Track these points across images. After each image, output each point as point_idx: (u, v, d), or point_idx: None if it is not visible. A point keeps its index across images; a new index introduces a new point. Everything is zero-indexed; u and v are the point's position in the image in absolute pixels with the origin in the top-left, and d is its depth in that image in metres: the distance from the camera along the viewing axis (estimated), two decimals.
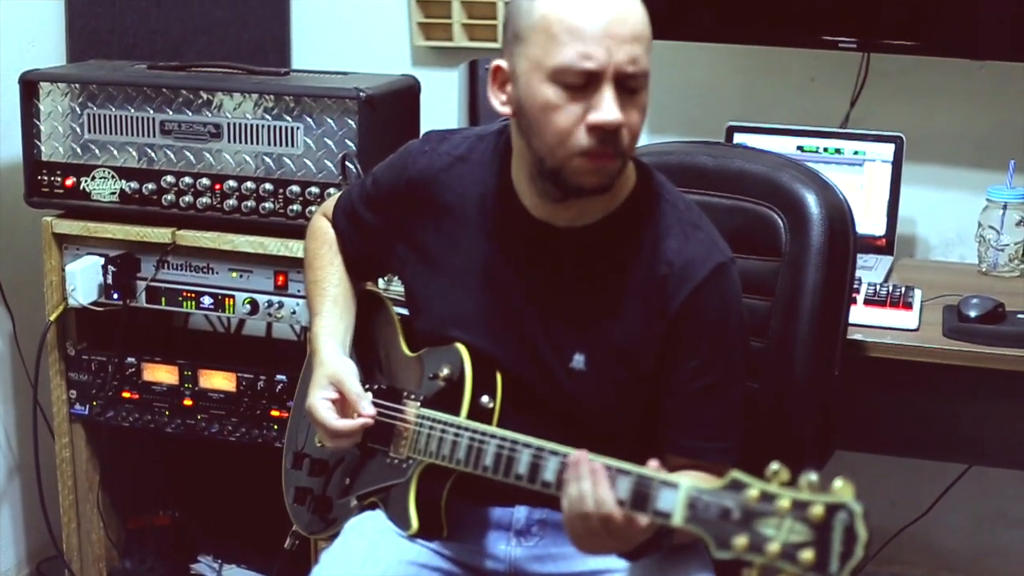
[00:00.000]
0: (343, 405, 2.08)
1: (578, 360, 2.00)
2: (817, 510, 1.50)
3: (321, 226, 2.30)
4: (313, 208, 2.79)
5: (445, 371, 2.05)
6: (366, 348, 2.21)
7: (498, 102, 1.96)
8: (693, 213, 2.04)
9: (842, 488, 1.51)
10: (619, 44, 1.82)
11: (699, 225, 2.02)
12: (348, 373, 2.10)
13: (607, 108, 1.82)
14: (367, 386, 2.13)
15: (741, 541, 1.55)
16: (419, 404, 2.07)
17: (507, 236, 2.04)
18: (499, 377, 2.03)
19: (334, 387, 2.08)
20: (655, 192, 2.03)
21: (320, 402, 2.07)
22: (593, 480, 1.71)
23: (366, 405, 2.07)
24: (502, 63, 1.94)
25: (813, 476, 1.52)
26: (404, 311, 2.21)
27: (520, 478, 1.85)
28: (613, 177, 1.91)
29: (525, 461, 1.85)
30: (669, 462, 1.97)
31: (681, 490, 1.64)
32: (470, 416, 1.99)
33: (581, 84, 1.83)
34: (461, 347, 2.05)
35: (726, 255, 2.00)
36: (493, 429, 1.93)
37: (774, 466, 1.56)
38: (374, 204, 2.19)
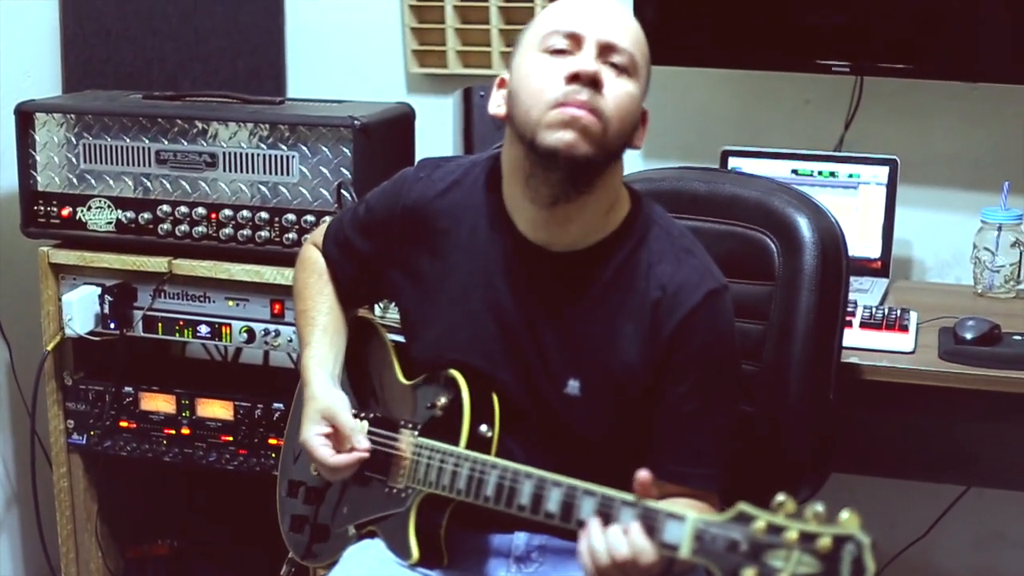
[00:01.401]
0: (337, 438, 2.08)
1: (573, 386, 2.00)
2: (825, 542, 1.51)
3: (311, 255, 2.31)
4: (309, 236, 2.79)
5: (443, 400, 2.05)
6: (360, 376, 2.21)
7: (495, 104, 2.02)
8: (686, 239, 2.05)
9: (849, 519, 1.51)
10: (605, 22, 1.92)
11: (692, 251, 2.02)
12: (340, 406, 2.09)
13: (585, 59, 1.88)
14: (362, 415, 2.13)
15: (750, 573, 1.55)
16: (416, 433, 2.06)
17: (502, 261, 2.04)
18: (497, 406, 2.03)
19: (326, 421, 2.08)
20: (648, 218, 2.04)
21: (314, 438, 2.07)
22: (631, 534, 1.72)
23: (361, 439, 2.06)
24: (506, 75, 2.01)
25: (819, 507, 1.53)
26: (399, 338, 2.21)
27: (523, 509, 1.85)
28: (588, 142, 1.87)
29: (527, 492, 1.85)
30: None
31: (688, 522, 1.65)
32: (469, 445, 1.99)
33: (565, 48, 1.90)
34: (459, 375, 2.04)
35: (719, 281, 2.01)
36: (494, 459, 1.93)
37: (780, 497, 1.56)
38: (367, 231, 2.19)
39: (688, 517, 1.65)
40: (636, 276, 1.99)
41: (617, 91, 1.90)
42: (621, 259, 2.00)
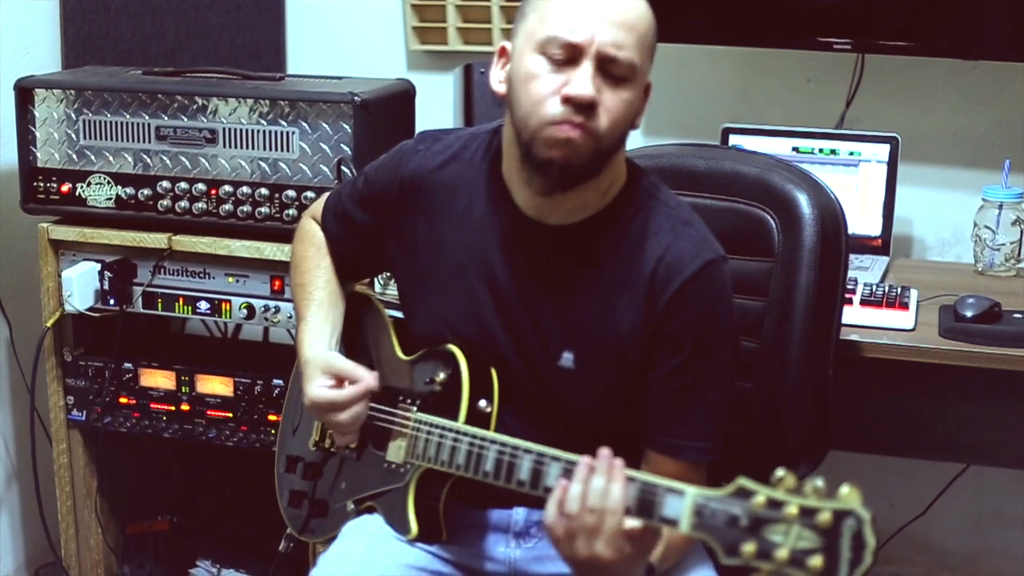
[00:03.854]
0: (342, 386, 2.07)
1: (567, 358, 2.00)
2: (825, 516, 1.51)
3: (309, 228, 2.31)
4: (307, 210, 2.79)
5: (441, 375, 2.05)
6: (359, 352, 2.21)
7: (496, 80, 2.00)
8: (684, 211, 2.04)
9: (849, 494, 1.51)
10: (607, 25, 1.85)
11: (689, 222, 2.02)
12: (336, 357, 2.10)
13: (581, 82, 1.85)
14: None
15: (749, 548, 1.55)
16: (415, 408, 2.06)
17: (498, 233, 2.04)
18: (495, 380, 2.03)
19: (328, 374, 2.08)
20: (645, 190, 2.03)
21: (319, 390, 2.07)
22: (609, 476, 1.71)
23: (364, 371, 2.06)
24: (507, 44, 1.98)
25: (819, 482, 1.53)
26: (397, 314, 2.21)
27: (522, 484, 1.85)
28: (582, 156, 1.89)
29: (526, 467, 1.84)
30: (649, 459, 1.98)
31: (688, 497, 1.64)
32: (468, 420, 1.99)
33: (564, 58, 1.86)
34: (457, 351, 2.04)
35: (717, 252, 2.00)
36: (493, 435, 1.93)
37: (779, 472, 1.56)
38: (366, 203, 2.19)
39: (688, 492, 1.64)
40: (632, 247, 1.98)
41: (613, 104, 1.88)
42: (618, 231, 1.99)
